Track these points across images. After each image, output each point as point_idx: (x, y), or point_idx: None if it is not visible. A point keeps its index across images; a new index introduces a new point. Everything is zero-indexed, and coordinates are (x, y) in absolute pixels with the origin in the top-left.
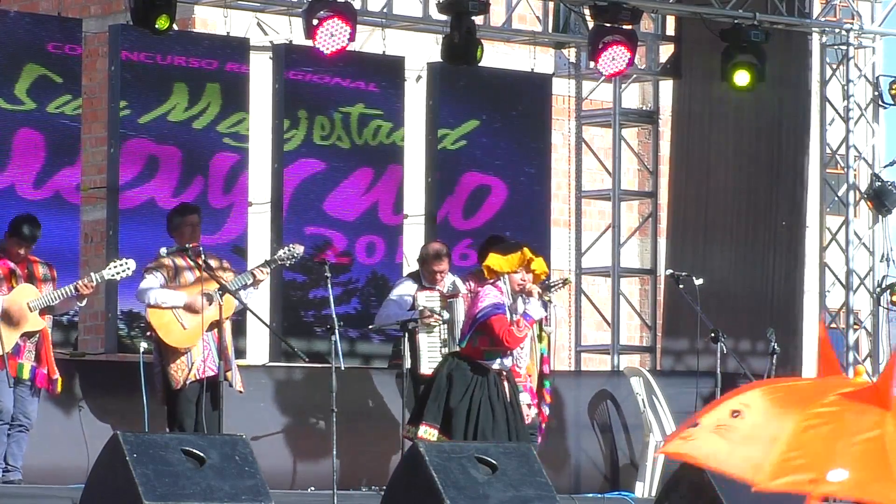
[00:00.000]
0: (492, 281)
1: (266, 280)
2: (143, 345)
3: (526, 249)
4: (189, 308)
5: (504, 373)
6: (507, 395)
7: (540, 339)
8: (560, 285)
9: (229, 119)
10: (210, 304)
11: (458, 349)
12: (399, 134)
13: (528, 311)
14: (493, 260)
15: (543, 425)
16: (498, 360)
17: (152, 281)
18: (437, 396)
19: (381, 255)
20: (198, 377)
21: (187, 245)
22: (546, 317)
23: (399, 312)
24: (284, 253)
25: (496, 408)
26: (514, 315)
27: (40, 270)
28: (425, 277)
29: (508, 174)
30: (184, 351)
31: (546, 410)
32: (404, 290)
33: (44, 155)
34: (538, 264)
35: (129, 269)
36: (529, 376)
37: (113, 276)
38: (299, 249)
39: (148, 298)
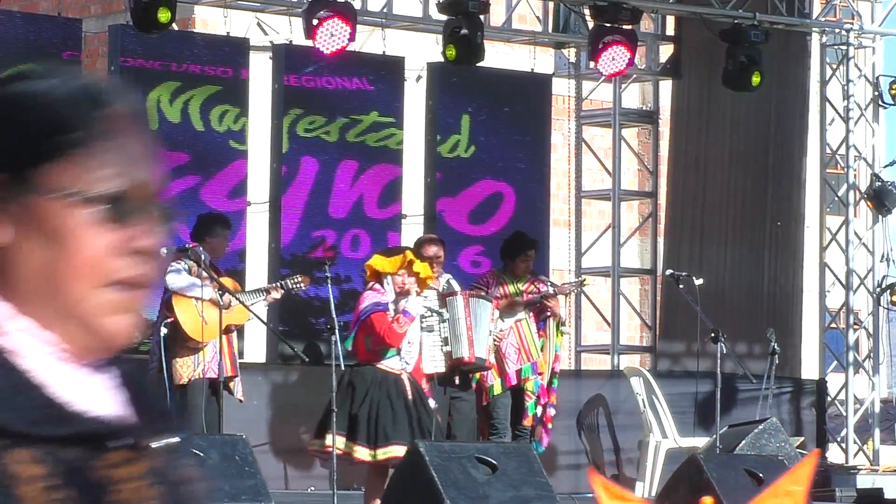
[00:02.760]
0: (371, 285)
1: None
2: (164, 330)
3: (408, 252)
4: (213, 301)
5: (405, 373)
6: (409, 395)
7: (559, 335)
8: (576, 287)
9: (229, 119)
10: (229, 308)
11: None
12: (400, 139)
13: (406, 309)
14: (377, 261)
15: (549, 426)
16: (398, 360)
17: (180, 271)
18: (341, 405)
19: (366, 249)
20: (201, 375)
21: (187, 246)
22: (562, 317)
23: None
24: (293, 282)
25: (396, 407)
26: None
27: None
28: None
29: (509, 175)
30: (193, 346)
31: (551, 412)
32: None
33: None
34: (420, 267)
35: None
36: (541, 374)
37: None
38: (306, 282)
39: (177, 283)
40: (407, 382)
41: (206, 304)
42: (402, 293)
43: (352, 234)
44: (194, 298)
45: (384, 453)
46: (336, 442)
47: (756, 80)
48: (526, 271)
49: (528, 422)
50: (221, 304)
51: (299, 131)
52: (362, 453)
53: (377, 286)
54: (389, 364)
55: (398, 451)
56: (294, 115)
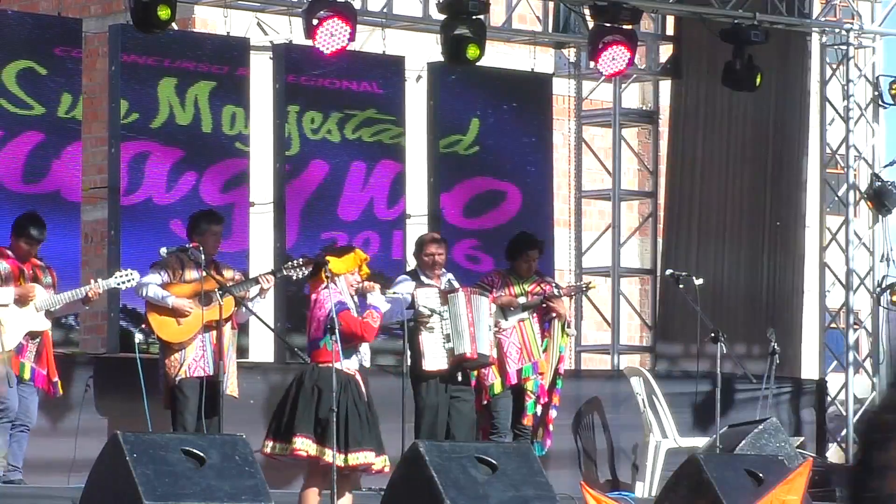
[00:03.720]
0: (326, 284)
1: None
2: (139, 336)
3: (358, 251)
4: (177, 313)
5: (358, 374)
6: (365, 396)
7: (563, 336)
8: (581, 290)
9: (229, 119)
10: (209, 305)
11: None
12: (399, 133)
13: (375, 304)
14: (333, 264)
15: (550, 427)
16: (356, 360)
17: (153, 277)
18: (306, 407)
19: (375, 250)
20: (188, 374)
21: (187, 245)
22: (569, 320)
23: (397, 311)
24: (293, 264)
25: (360, 410)
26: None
27: (42, 275)
28: (423, 270)
29: (513, 174)
30: (177, 347)
31: (553, 414)
32: (403, 288)
33: (44, 155)
34: (366, 268)
35: (132, 279)
36: (542, 374)
37: (117, 284)
38: (308, 265)
39: (143, 291)
40: (361, 384)
41: (175, 310)
42: (366, 290)
43: (364, 236)
44: (161, 304)
45: (355, 459)
46: (304, 444)
47: (759, 80)
48: (529, 272)
49: (527, 421)
50: (221, 303)
51: (306, 132)
52: (334, 458)
53: (332, 286)
54: (348, 364)
55: (369, 456)
56: (295, 112)
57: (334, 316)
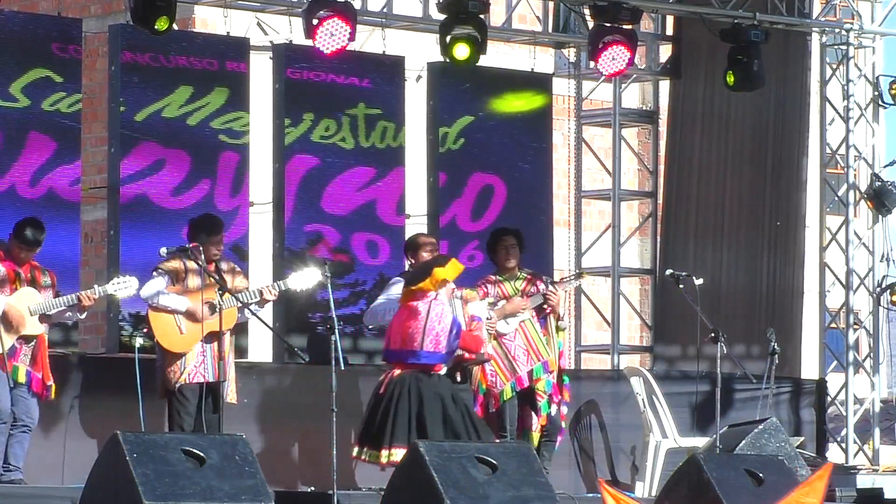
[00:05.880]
0: (435, 295)
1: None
2: (139, 341)
3: (455, 261)
4: (190, 315)
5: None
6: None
7: (558, 331)
8: (573, 280)
9: (229, 119)
10: (212, 314)
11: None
12: (400, 135)
13: (476, 313)
14: (442, 273)
15: (563, 424)
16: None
17: (159, 283)
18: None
19: (386, 256)
20: (188, 381)
21: (187, 245)
22: (560, 313)
23: (390, 311)
24: (297, 283)
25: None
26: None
27: (41, 277)
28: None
29: (508, 174)
30: (179, 355)
31: (564, 410)
32: (397, 290)
33: (43, 155)
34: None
35: (131, 286)
36: (552, 372)
37: (115, 291)
38: (313, 283)
39: (152, 299)
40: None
41: (182, 316)
42: (466, 299)
43: (366, 238)
44: (172, 311)
45: None
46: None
47: (730, 79)
48: (508, 259)
49: (542, 421)
50: (222, 305)
51: (314, 137)
52: None
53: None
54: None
55: None
56: (310, 120)
57: (334, 316)
